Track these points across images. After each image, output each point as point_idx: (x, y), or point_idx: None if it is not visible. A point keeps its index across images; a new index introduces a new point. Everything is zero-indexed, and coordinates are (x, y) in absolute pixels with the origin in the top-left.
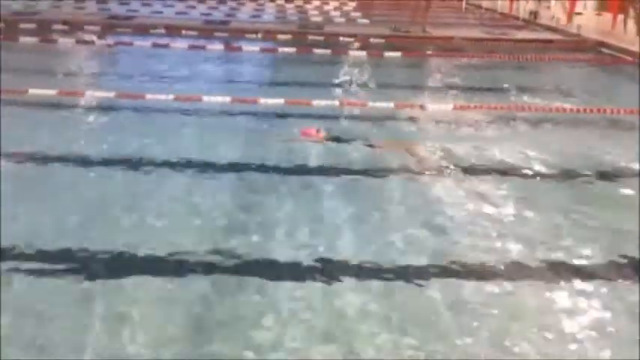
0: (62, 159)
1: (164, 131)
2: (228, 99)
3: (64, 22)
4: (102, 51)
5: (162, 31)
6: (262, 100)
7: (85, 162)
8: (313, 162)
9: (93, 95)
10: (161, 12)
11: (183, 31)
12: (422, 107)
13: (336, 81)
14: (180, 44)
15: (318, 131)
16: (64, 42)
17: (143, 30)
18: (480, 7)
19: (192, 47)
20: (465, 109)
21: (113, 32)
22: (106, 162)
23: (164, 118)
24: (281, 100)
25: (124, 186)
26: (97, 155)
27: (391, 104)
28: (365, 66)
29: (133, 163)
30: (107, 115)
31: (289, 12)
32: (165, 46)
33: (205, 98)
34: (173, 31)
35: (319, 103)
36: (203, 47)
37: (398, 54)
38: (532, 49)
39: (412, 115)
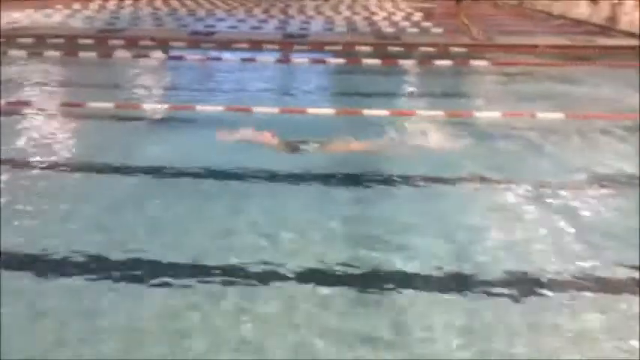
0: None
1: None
2: (332, 111)
3: (152, 39)
4: (194, 65)
5: (245, 45)
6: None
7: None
8: None
9: (204, 109)
10: (236, 27)
11: (265, 45)
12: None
13: (438, 91)
14: (265, 58)
15: (273, 136)
16: (157, 57)
17: (226, 45)
18: (550, 13)
19: (278, 61)
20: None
21: (198, 47)
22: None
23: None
24: (386, 112)
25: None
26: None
27: (497, 113)
28: (455, 75)
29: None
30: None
31: (359, 24)
32: (252, 60)
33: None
34: (255, 45)
35: (433, 114)
36: (288, 60)
37: (485, 62)
38: (620, 56)
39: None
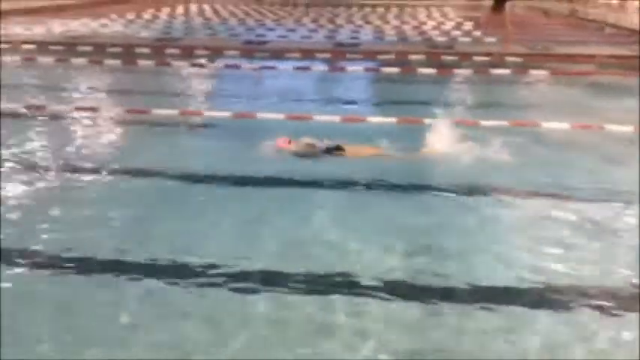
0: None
1: None
2: (393, 119)
3: (205, 48)
4: (250, 74)
5: (297, 54)
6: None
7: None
8: None
9: (265, 117)
10: (286, 36)
11: (317, 54)
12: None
13: (500, 101)
14: (319, 66)
15: (289, 142)
16: (212, 66)
17: (279, 54)
18: (603, 22)
19: (332, 70)
20: None
21: (252, 56)
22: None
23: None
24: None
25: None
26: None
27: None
28: (515, 85)
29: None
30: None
31: (409, 33)
32: (306, 68)
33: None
34: (307, 54)
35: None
36: (342, 69)
37: (544, 72)
38: None
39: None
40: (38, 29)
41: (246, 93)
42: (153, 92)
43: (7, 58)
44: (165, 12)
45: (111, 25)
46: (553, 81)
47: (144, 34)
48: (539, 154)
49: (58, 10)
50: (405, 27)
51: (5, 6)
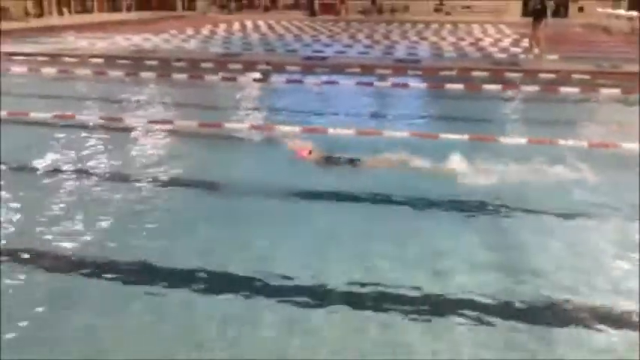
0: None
1: None
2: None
3: (267, 63)
4: (313, 89)
5: (358, 69)
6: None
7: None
8: None
9: (337, 132)
10: (344, 52)
11: (377, 70)
12: None
13: (576, 119)
14: (381, 83)
15: (310, 152)
16: (276, 80)
17: (340, 69)
18: None
19: (394, 85)
20: None
21: (312, 72)
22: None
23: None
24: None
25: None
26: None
27: None
28: (586, 103)
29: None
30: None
31: (467, 49)
32: (369, 84)
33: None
34: (368, 70)
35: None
36: (405, 85)
37: (616, 91)
38: None
39: None
40: (102, 44)
41: (313, 108)
42: (223, 107)
43: (80, 71)
44: (222, 27)
45: (171, 41)
46: (623, 99)
47: (206, 49)
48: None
49: (119, 25)
50: (462, 43)
51: (68, 20)
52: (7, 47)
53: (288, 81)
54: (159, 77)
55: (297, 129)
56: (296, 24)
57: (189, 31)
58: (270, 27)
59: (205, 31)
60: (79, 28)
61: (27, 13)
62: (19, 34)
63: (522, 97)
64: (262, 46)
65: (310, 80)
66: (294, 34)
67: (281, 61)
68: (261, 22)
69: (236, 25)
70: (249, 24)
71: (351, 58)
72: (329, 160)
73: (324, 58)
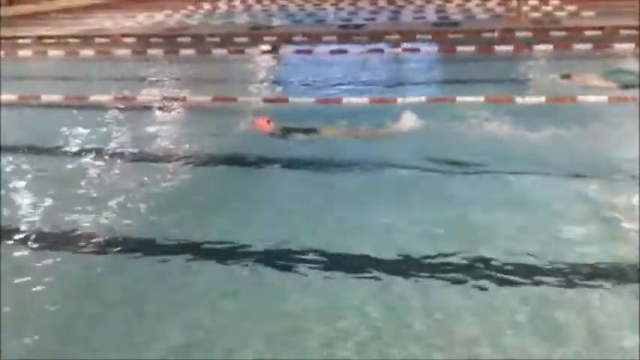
0: None
1: None
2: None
3: (303, 34)
4: (360, 59)
5: (396, 36)
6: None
7: None
8: None
9: (407, 101)
10: (373, 18)
11: (418, 35)
12: None
13: None
14: (426, 48)
15: (268, 122)
16: (320, 51)
17: (379, 37)
18: None
19: (442, 50)
20: None
21: (351, 41)
22: None
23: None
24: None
25: None
26: None
27: None
28: None
29: None
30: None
31: (498, 9)
32: (415, 50)
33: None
34: (408, 36)
35: None
36: (453, 49)
37: None
38: None
39: None
40: (127, 22)
41: (371, 78)
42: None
43: (118, 52)
44: (237, 1)
45: (193, 16)
46: None
47: (232, 22)
48: None
49: (130, 3)
50: (491, 4)
51: (78, 2)
52: (33, 30)
53: (331, 52)
54: (199, 54)
55: (365, 100)
56: None
57: (207, 6)
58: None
59: (222, 4)
60: (93, 9)
61: None
62: (36, 16)
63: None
64: (287, 17)
65: (355, 50)
66: (313, 3)
67: (316, 32)
68: None
69: None
70: None
71: (387, 24)
72: (286, 131)
73: (358, 26)
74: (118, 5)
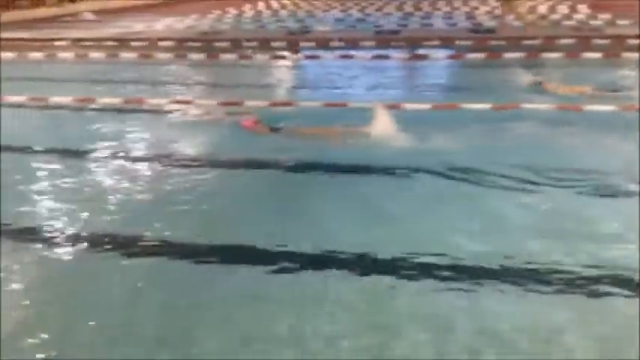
0: None
1: None
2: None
3: (340, 39)
4: (405, 65)
5: (436, 42)
6: None
7: None
8: None
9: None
10: (431, 24)
11: (457, 42)
12: None
13: None
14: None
15: (256, 122)
16: (360, 56)
17: (416, 42)
18: None
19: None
20: None
21: (389, 46)
22: None
23: None
24: None
25: None
26: None
27: None
28: None
29: None
30: None
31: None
32: (457, 57)
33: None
34: (446, 42)
35: None
36: (498, 56)
37: None
38: None
39: None
40: (158, 26)
41: (422, 84)
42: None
43: (159, 55)
44: (261, 6)
45: (223, 20)
46: None
47: (264, 27)
48: None
49: (153, 7)
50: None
51: (100, 5)
52: (64, 33)
53: (374, 57)
54: (241, 58)
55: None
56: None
57: (232, 10)
58: (296, 4)
59: (247, 9)
60: (120, 12)
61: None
62: (62, 19)
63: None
64: (316, 22)
65: (397, 55)
66: (340, 9)
67: (352, 37)
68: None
69: (275, 4)
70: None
71: (422, 30)
72: (272, 130)
73: (395, 32)
74: (143, 9)
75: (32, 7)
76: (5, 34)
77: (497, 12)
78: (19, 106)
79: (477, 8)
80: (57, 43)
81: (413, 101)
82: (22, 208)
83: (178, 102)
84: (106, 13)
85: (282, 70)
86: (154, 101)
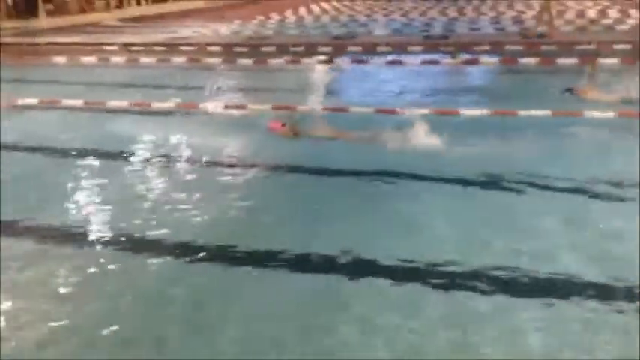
0: None
1: None
2: None
3: (387, 44)
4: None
5: (486, 47)
6: None
7: None
8: None
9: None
10: (478, 29)
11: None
12: None
13: None
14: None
15: (283, 125)
16: (409, 62)
17: (466, 47)
18: None
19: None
20: None
21: (438, 51)
22: None
23: None
24: None
25: None
26: None
27: None
28: None
29: None
30: None
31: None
32: (513, 61)
33: None
34: (496, 47)
35: None
36: (553, 62)
37: None
38: None
39: None
40: (204, 31)
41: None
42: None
43: (209, 60)
44: (303, 11)
45: (266, 25)
46: None
47: (307, 32)
48: None
49: (205, 13)
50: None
51: (147, 10)
52: (114, 37)
53: (423, 62)
54: (288, 63)
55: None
56: (369, 3)
57: (275, 16)
58: (337, 9)
59: (288, 14)
60: (166, 17)
61: (109, 5)
62: (111, 24)
63: None
64: (360, 26)
65: (447, 61)
66: (383, 13)
67: (399, 42)
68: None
69: (316, 9)
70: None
71: (470, 36)
72: (297, 134)
73: (445, 37)
74: (186, 14)
75: (81, 12)
76: (57, 39)
77: (546, 16)
78: (76, 109)
79: (523, 12)
80: (107, 48)
81: (468, 107)
82: (85, 211)
83: (232, 107)
84: (150, 19)
85: (330, 76)
86: (209, 105)
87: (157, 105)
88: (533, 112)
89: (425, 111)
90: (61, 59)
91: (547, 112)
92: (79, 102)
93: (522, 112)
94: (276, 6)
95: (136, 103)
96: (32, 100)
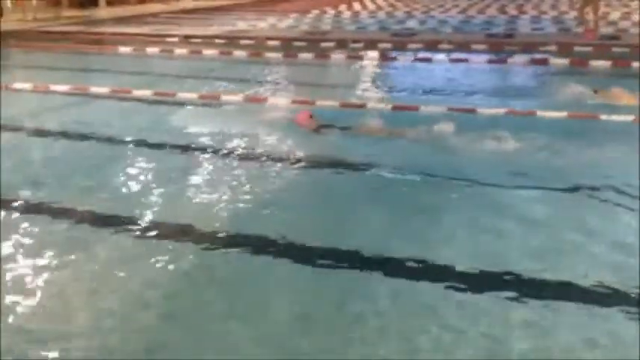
0: None
1: None
2: None
3: (449, 42)
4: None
5: (553, 47)
6: None
7: None
8: None
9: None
10: (541, 28)
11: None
12: None
13: None
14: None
15: (310, 117)
16: (476, 60)
17: (531, 47)
18: None
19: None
20: None
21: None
22: None
23: None
24: None
25: None
26: None
27: None
28: None
29: None
30: None
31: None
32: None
33: None
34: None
35: None
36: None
37: None
38: None
39: None
40: (262, 24)
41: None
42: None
43: (269, 54)
44: (357, 7)
45: (323, 20)
46: None
47: (360, 28)
48: None
49: (255, 6)
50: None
51: (199, 4)
52: (174, 29)
53: (490, 61)
54: (349, 59)
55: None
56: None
57: (330, 10)
58: (392, 5)
59: (342, 9)
60: (221, 10)
61: None
62: (166, 16)
63: None
64: (417, 23)
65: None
66: (440, 10)
67: (461, 40)
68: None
69: (367, 4)
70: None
71: (539, 35)
72: (322, 127)
73: (509, 35)
74: (245, 7)
75: (139, 2)
76: (120, 29)
77: (614, 17)
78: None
79: (587, 13)
80: (169, 40)
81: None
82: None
83: (300, 102)
84: (203, 12)
85: (397, 72)
86: (279, 101)
87: (225, 97)
88: (614, 117)
89: (501, 110)
90: (126, 49)
91: (628, 118)
92: (147, 92)
93: (604, 117)
94: (327, 0)
95: (203, 95)
96: (103, 90)
